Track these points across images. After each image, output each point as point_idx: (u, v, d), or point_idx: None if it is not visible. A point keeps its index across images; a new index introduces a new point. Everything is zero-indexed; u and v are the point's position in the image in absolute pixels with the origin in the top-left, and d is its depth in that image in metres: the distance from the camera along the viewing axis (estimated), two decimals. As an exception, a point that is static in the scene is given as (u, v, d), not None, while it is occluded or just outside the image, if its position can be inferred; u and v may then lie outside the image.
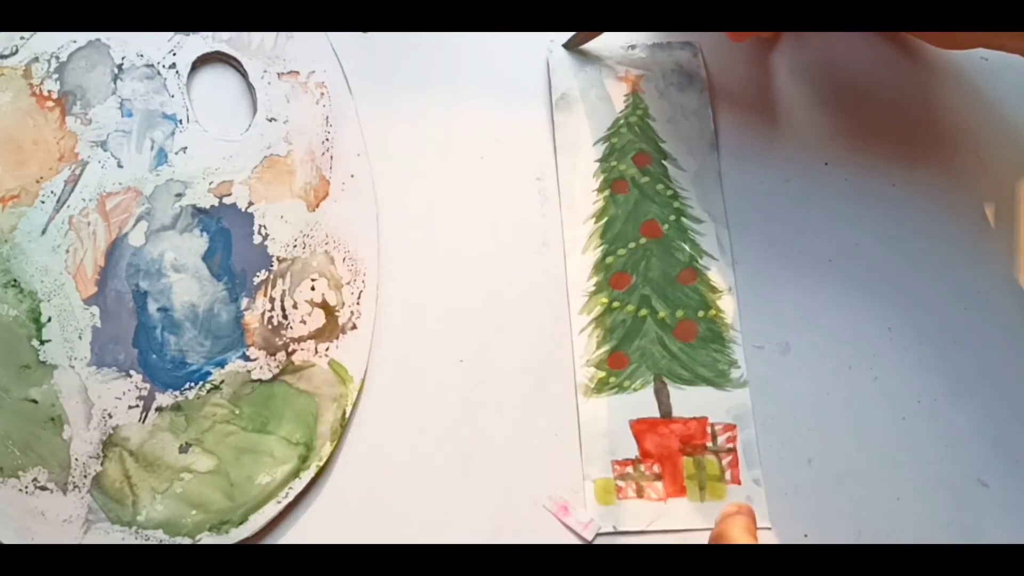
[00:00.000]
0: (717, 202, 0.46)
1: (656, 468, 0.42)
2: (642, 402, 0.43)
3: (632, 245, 0.45)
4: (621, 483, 0.41)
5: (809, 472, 0.42)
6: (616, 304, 0.44)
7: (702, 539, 0.41)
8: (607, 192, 0.46)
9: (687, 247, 0.45)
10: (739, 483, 0.42)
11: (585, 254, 0.45)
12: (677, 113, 0.48)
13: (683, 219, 0.46)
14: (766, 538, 0.41)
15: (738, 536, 0.38)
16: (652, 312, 0.44)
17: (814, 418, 0.43)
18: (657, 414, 0.43)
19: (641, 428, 0.42)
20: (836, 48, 0.50)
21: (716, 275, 0.45)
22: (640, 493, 0.41)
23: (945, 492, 0.42)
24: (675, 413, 0.43)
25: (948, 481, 0.43)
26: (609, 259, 0.45)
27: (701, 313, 0.44)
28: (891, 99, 0.49)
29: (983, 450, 0.43)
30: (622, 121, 0.47)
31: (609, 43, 0.49)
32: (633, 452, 0.42)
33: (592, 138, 0.47)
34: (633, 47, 0.49)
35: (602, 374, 0.43)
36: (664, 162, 0.47)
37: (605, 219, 0.46)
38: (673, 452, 0.42)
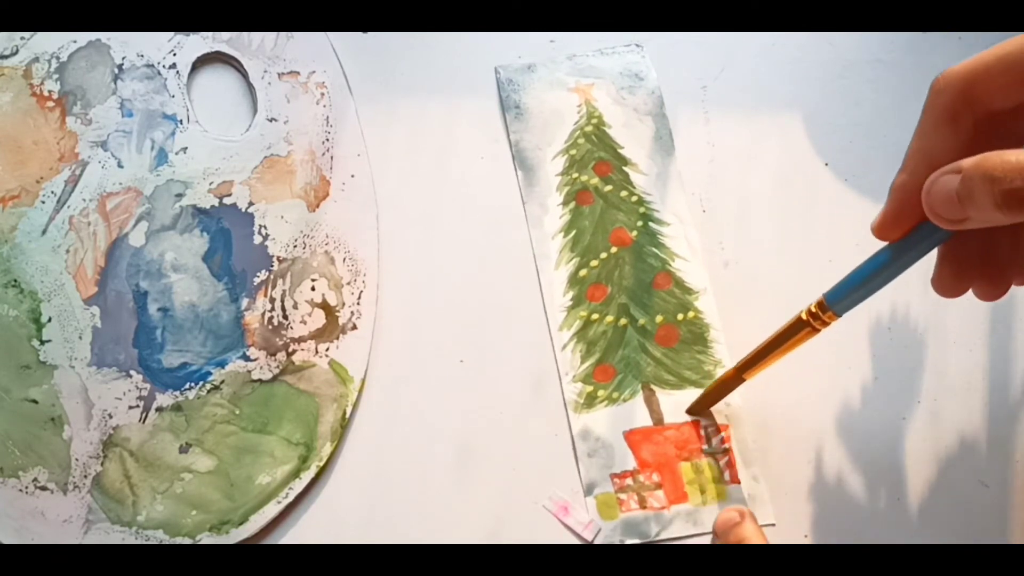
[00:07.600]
0: (681, 202, 0.46)
1: (655, 477, 0.42)
2: (633, 412, 0.43)
3: (604, 255, 0.45)
4: (623, 496, 0.41)
5: (809, 472, 0.42)
6: (595, 316, 0.44)
7: (706, 541, 0.41)
8: (572, 205, 0.46)
9: (658, 251, 0.45)
10: (738, 482, 0.42)
11: (558, 269, 0.45)
12: (632, 117, 0.47)
13: (651, 223, 0.46)
14: (768, 537, 0.41)
15: (756, 541, 0.38)
16: (632, 320, 0.44)
17: (814, 418, 0.43)
18: (650, 422, 0.42)
19: (635, 438, 0.42)
20: (838, 46, 0.50)
21: (690, 276, 0.45)
22: (642, 504, 0.41)
23: (945, 492, 0.42)
24: (667, 419, 0.43)
25: (948, 481, 0.42)
26: (583, 272, 0.45)
27: (680, 316, 0.44)
28: (891, 99, 0.49)
29: (983, 450, 0.43)
30: (578, 132, 0.47)
31: (555, 55, 0.48)
32: (630, 463, 0.42)
33: (550, 152, 0.47)
34: (579, 56, 0.48)
35: (590, 388, 0.43)
36: (625, 168, 0.46)
37: (573, 232, 0.45)
38: (670, 459, 0.42)
